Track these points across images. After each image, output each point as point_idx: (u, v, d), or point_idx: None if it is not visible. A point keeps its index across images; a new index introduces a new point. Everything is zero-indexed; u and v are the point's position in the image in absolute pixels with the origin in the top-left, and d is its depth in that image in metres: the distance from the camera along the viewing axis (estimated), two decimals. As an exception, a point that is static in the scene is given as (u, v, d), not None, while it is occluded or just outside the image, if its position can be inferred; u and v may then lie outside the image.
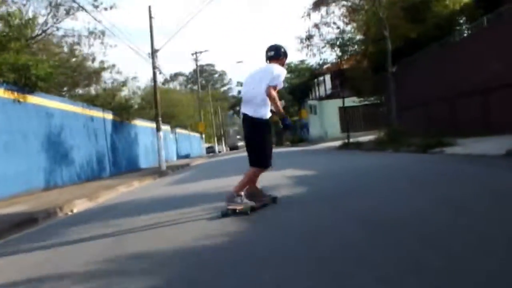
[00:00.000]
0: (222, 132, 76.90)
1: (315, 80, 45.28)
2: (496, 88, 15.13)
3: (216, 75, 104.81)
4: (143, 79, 73.41)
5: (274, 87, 5.81)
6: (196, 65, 41.70)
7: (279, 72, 5.87)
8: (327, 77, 43.83)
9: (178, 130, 43.01)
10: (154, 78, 22.46)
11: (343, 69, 31.23)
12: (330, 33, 27.44)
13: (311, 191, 7.37)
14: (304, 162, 15.96)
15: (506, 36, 14.69)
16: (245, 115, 6.00)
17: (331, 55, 32.14)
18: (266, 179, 9.61)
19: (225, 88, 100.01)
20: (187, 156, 45.05)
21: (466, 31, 17.75)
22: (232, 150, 75.49)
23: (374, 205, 5.21)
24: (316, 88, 47.09)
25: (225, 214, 5.77)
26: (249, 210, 5.74)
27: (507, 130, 14.07)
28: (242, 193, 5.86)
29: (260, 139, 5.98)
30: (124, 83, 25.39)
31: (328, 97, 43.24)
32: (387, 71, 20.75)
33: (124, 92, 29.18)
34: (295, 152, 26.83)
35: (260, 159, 5.99)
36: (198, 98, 43.21)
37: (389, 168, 10.01)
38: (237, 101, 72.26)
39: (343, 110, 39.71)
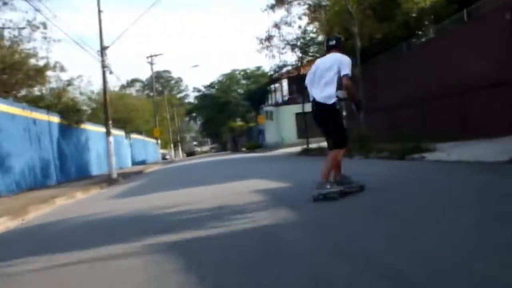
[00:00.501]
0: (178, 138, 73.87)
1: (272, 86, 43.27)
2: (472, 89, 13.41)
3: (173, 82, 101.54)
4: (97, 84, 68.38)
5: (348, 76, 5.69)
6: (151, 68, 39.05)
7: (348, 61, 5.77)
8: (285, 83, 42.03)
9: (134, 136, 40.03)
10: (104, 77, 19.82)
11: (303, 74, 29.38)
12: (291, 33, 25.47)
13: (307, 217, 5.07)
14: (268, 170, 13.74)
15: (481, 34, 13.01)
16: (317, 103, 5.90)
17: (292, 57, 30.35)
18: (229, 195, 7.39)
19: (181, 94, 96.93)
20: (143, 163, 42.09)
21: (433, 31, 16.03)
22: (189, 156, 72.85)
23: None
24: (273, 94, 45.10)
25: (316, 198, 5.64)
26: (338, 195, 5.64)
27: (484, 134, 12.38)
28: (331, 178, 5.82)
29: (334, 122, 5.93)
30: (69, 82, 22.49)
31: (285, 103, 41.37)
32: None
33: (73, 94, 26.23)
34: (254, 159, 24.70)
35: (337, 140, 5.89)
36: (154, 103, 40.38)
37: (374, 177, 7.92)
38: (193, 107, 69.59)
39: (302, 116, 37.96)
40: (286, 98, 41.32)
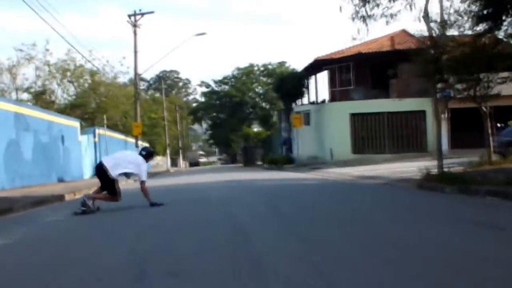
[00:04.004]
0: (180, 144, 59.20)
1: (313, 76, 28.17)
2: None
3: (180, 83, 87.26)
4: (59, 52, 49.96)
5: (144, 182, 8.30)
6: (134, 31, 24.46)
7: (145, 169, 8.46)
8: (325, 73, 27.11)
9: (104, 132, 25.00)
10: None
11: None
12: None
13: None
14: None
15: None
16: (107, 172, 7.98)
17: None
18: None
19: (189, 98, 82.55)
20: None
21: None
22: (192, 167, 58.73)
23: None
24: (309, 89, 30.03)
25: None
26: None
27: None
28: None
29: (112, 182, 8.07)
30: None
31: (332, 98, 26.54)
32: None
33: None
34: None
35: (111, 192, 8.02)
36: (135, 79, 25.44)
37: None
38: (199, 106, 54.59)
39: (367, 117, 23.09)
40: (335, 91, 26.13)
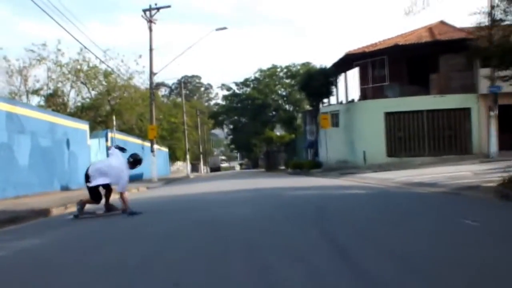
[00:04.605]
0: (201, 149, 57.14)
1: (343, 74, 25.53)
2: None
3: (202, 88, 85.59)
4: (71, 53, 46.96)
5: (122, 192, 7.89)
6: (149, 27, 22.41)
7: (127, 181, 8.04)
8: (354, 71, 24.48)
9: (115, 135, 22.87)
10: None
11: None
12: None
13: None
14: None
15: None
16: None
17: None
18: None
19: (211, 103, 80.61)
20: (139, 178, 24.88)
21: None
22: (214, 172, 56.98)
23: None
24: (337, 88, 27.40)
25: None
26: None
27: None
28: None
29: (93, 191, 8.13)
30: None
31: (362, 97, 23.96)
32: None
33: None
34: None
35: (92, 196, 8.06)
36: (151, 81, 23.20)
37: None
38: (220, 109, 52.34)
39: (409, 116, 20.43)
40: (367, 88, 23.41)
